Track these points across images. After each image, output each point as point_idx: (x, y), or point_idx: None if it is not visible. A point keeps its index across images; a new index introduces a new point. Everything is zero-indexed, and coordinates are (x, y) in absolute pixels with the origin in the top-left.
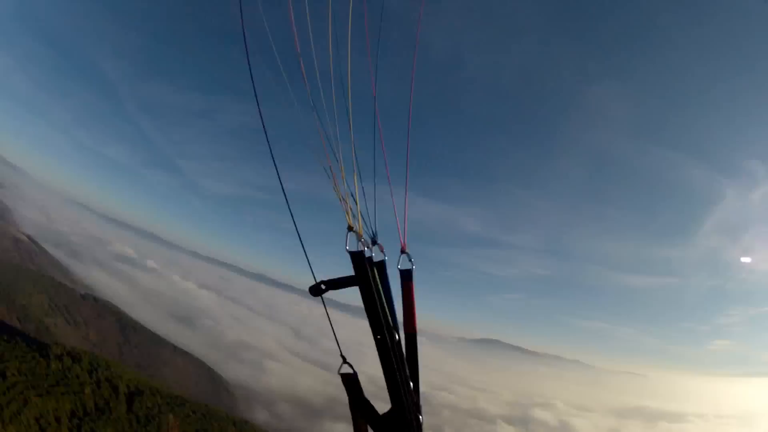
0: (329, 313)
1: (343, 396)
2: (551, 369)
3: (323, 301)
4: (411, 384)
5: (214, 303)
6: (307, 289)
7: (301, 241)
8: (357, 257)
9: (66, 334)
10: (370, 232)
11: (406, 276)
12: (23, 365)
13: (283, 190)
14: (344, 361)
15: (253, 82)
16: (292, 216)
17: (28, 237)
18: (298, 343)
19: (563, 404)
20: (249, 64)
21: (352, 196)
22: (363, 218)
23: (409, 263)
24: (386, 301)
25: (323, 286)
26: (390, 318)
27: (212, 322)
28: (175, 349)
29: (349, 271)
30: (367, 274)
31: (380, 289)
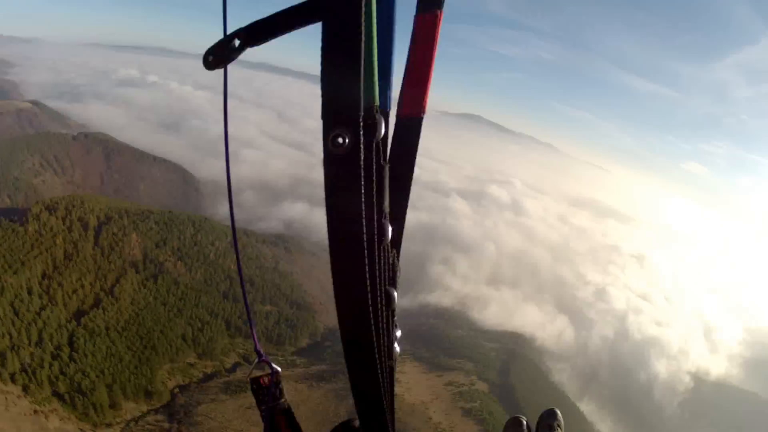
0: None
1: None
2: (521, 148)
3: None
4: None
5: (206, 102)
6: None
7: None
8: None
9: (53, 187)
10: None
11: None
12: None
13: None
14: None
15: None
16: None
17: (32, 102)
18: (279, 126)
19: (521, 184)
20: None
21: None
22: None
23: None
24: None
25: (237, 42)
26: (379, 89)
27: (200, 122)
28: (155, 159)
29: None
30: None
31: (372, 25)
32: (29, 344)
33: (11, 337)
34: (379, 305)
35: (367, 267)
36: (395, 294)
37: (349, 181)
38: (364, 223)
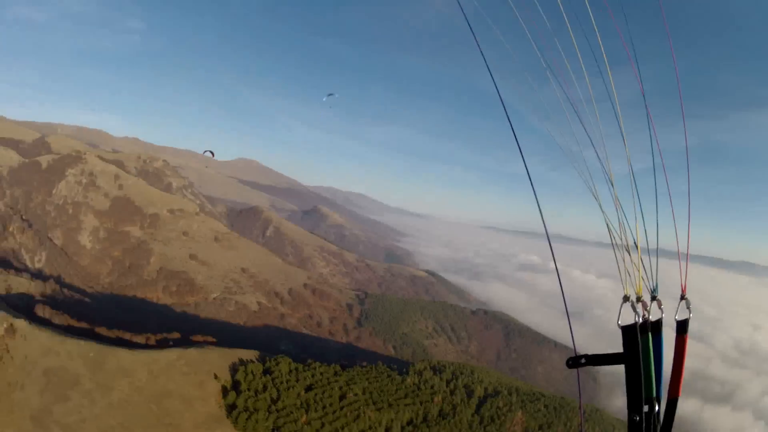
0: None
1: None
2: None
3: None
4: None
5: (609, 291)
6: None
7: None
8: (628, 333)
9: (444, 351)
10: (650, 286)
11: (682, 328)
12: (370, 385)
13: None
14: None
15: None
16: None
17: (427, 272)
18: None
19: None
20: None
21: (628, 253)
22: (643, 272)
23: (687, 311)
24: (655, 367)
25: (583, 360)
26: (655, 389)
27: (602, 311)
28: (555, 345)
29: None
30: (637, 352)
31: (650, 361)
32: None
33: None
34: None
35: None
36: None
37: None
38: None
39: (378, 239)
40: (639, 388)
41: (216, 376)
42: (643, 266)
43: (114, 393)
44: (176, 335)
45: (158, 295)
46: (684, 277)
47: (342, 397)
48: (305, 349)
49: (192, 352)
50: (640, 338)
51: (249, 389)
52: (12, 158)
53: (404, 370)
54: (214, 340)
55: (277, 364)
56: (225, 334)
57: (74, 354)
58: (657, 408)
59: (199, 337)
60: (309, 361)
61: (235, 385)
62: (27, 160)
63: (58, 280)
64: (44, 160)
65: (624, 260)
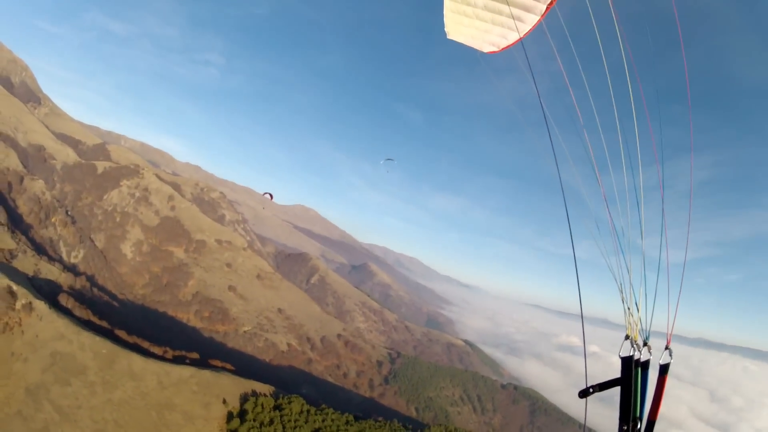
0: None
1: None
2: None
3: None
4: None
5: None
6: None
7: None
8: (626, 363)
9: (467, 420)
10: (644, 335)
11: (663, 370)
12: None
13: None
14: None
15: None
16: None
17: (465, 342)
18: (709, 406)
19: None
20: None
21: (636, 304)
22: (641, 324)
23: (669, 358)
24: (640, 395)
25: (591, 390)
26: (639, 410)
27: None
28: (580, 427)
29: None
30: (630, 378)
31: (638, 388)
32: None
33: None
34: None
35: None
36: None
37: None
38: None
39: (422, 304)
40: (629, 406)
41: (225, 401)
42: (641, 324)
43: (117, 392)
44: (195, 355)
45: (189, 317)
46: (669, 333)
47: None
48: (326, 396)
49: (206, 374)
50: (634, 367)
51: (255, 420)
52: (69, 155)
53: (419, 431)
54: (233, 367)
55: (290, 403)
56: (247, 366)
57: (86, 346)
58: (639, 426)
59: (217, 362)
60: (322, 405)
61: (242, 414)
62: (83, 161)
63: (91, 279)
64: (101, 165)
65: (631, 317)
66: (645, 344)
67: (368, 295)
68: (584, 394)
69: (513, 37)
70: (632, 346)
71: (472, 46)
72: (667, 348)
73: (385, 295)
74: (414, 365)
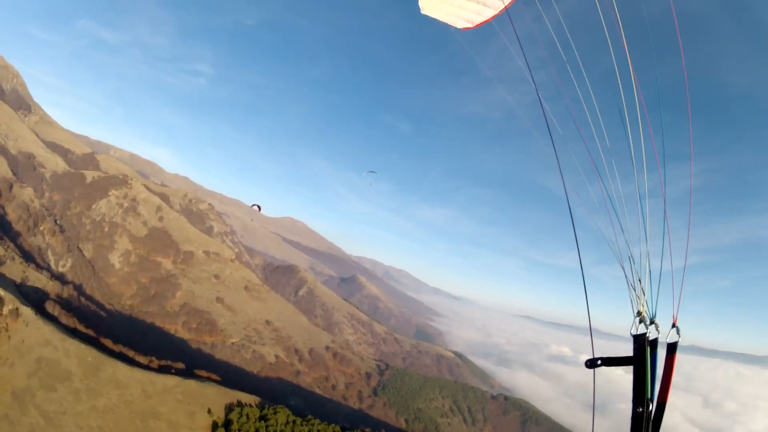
0: None
1: None
2: None
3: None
4: None
5: None
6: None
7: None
8: (639, 340)
9: (457, 431)
10: (651, 313)
11: (671, 348)
12: None
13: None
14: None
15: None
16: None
17: (455, 353)
18: (702, 412)
19: None
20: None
21: (640, 282)
22: (647, 302)
23: (677, 336)
24: (651, 375)
25: (599, 362)
26: (651, 391)
27: (626, 405)
28: None
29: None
30: (644, 356)
31: (648, 367)
32: None
33: None
34: None
35: None
36: None
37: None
38: None
39: (411, 315)
40: (643, 386)
41: (209, 411)
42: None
43: (102, 399)
44: (180, 365)
45: (177, 328)
46: (676, 312)
47: None
48: (314, 408)
49: (191, 383)
50: (648, 345)
51: (240, 430)
52: (58, 164)
53: None
54: (218, 378)
55: (275, 413)
56: (234, 377)
57: (71, 353)
58: (651, 407)
59: (203, 372)
60: (309, 416)
61: (227, 424)
62: (73, 170)
63: (79, 288)
64: (90, 174)
65: (635, 288)
66: (652, 322)
67: (357, 308)
68: (591, 364)
69: (488, 14)
70: (644, 325)
71: (446, 21)
72: (674, 326)
73: (374, 308)
74: (403, 377)
